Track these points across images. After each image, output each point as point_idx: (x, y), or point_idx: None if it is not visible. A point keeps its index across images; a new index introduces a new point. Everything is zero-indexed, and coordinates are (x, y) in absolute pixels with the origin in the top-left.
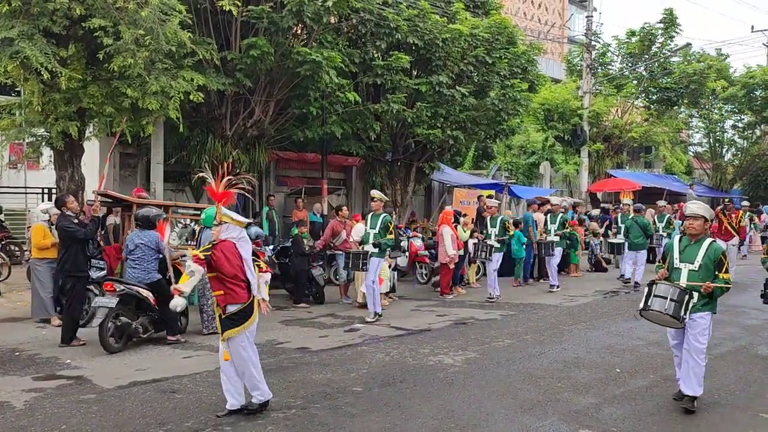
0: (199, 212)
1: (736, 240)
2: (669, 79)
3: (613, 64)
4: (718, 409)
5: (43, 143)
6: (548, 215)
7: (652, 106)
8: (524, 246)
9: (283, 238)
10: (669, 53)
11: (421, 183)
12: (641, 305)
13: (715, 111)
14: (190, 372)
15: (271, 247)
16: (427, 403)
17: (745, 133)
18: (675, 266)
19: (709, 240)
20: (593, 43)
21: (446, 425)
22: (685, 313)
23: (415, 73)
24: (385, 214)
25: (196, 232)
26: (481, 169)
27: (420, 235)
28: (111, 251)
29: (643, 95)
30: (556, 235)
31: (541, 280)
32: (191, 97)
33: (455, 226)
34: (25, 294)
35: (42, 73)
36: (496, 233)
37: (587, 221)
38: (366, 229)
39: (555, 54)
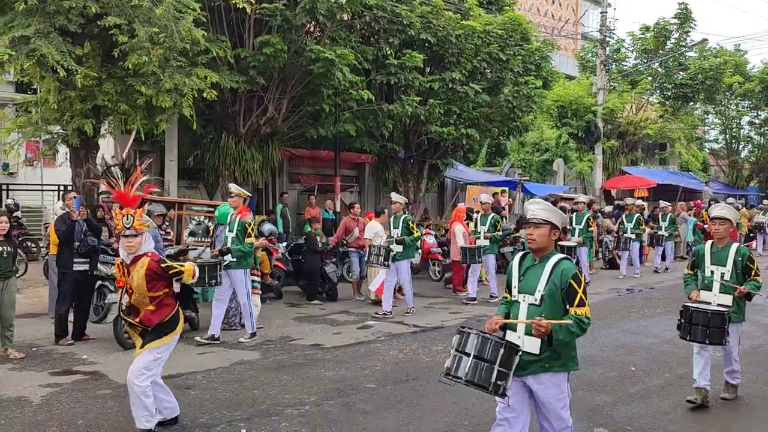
0: (212, 209)
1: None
2: (684, 75)
3: (627, 60)
4: (733, 408)
5: (59, 141)
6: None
7: (667, 103)
8: None
9: (297, 236)
10: (685, 48)
11: (434, 180)
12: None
13: (732, 107)
14: (204, 368)
15: (285, 244)
16: (440, 400)
17: (762, 129)
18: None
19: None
20: (607, 39)
21: (460, 422)
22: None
23: (428, 69)
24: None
25: (210, 229)
26: (494, 166)
27: (432, 232)
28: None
29: (658, 91)
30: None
31: None
32: (205, 94)
33: (468, 224)
34: (41, 290)
35: (58, 71)
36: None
37: (600, 218)
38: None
39: (569, 50)
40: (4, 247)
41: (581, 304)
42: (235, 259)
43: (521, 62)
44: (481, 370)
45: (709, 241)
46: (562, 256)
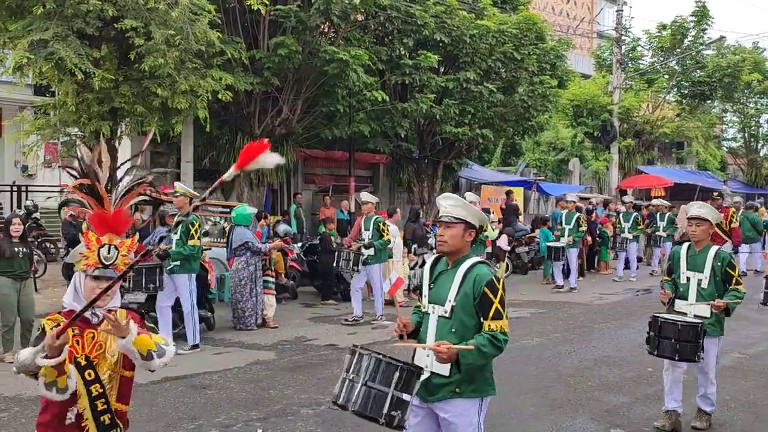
0: (228, 210)
1: (728, 246)
2: (702, 73)
3: (643, 58)
4: (753, 408)
5: (77, 142)
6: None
7: (685, 101)
8: None
9: (311, 236)
10: (702, 46)
11: (449, 180)
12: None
13: (750, 105)
14: (221, 368)
15: (299, 244)
16: None
17: None
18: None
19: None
20: (623, 37)
21: None
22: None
23: (443, 69)
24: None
25: (226, 230)
26: (509, 165)
27: None
28: (142, 249)
29: (675, 90)
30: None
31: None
32: (220, 96)
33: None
34: (60, 290)
35: (76, 73)
36: (369, 236)
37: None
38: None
39: (584, 49)
40: (20, 249)
41: (497, 316)
42: (177, 263)
43: (536, 61)
44: (373, 398)
45: (686, 244)
46: (478, 260)
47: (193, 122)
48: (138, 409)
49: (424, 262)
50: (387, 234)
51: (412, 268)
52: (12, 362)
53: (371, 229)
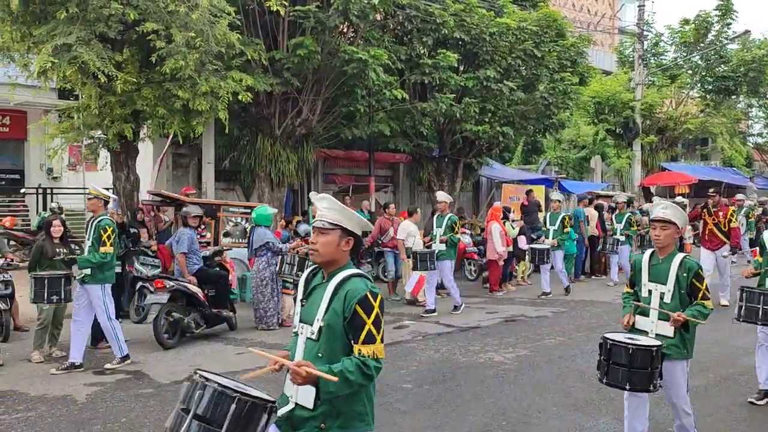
0: (249, 211)
1: (726, 248)
2: (726, 68)
3: (666, 53)
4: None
5: (100, 145)
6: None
7: (709, 96)
8: (575, 242)
9: None
10: (726, 41)
11: (469, 179)
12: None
13: None
14: (243, 368)
15: None
16: (477, 400)
17: None
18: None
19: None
20: (645, 32)
21: (497, 423)
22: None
23: (462, 68)
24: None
25: (247, 230)
26: (530, 164)
27: (468, 231)
28: (165, 250)
29: (699, 85)
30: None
31: (593, 277)
32: (240, 97)
33: (504, 223)
34: None
35: (99, 77)
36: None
37: (639, 216)
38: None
39: (605, 45)
40: (61, 250)
41: (369, 340)
42: (88, 272)
43: (557, 58)
44: None
45: (649, 251)
46: (354, 272)
47: (213, 123)
48: (161, 410)
49: None
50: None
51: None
52: (40, 361)
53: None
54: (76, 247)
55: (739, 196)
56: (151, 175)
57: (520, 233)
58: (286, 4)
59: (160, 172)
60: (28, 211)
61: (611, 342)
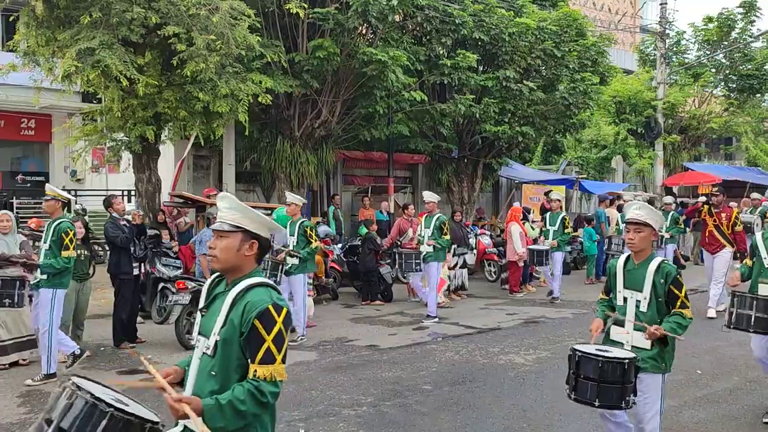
0: (269, 212)
1: (727, 252)
2: (751, 66)
3: (689, 52)
4: None
5: (123, 147)
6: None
7: (733, 95)
8: (596, 243)
9: (350, 237)
10: (751, 39)
11: (489, 179)
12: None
13: None
14: None
15: (340, 245)
16: (497, 402)
17: None
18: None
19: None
20: (667, 31)
21: (518, 425)
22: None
23: (482, 68)
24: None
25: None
26: (550, 164)
27: (488, 232)
28: (186, 251)
29: (723, 83)
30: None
31: None
32: (260, 99)
33: (524, 223)
34: (108, 291)
35: (121, 80)
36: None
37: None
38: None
39: (626, 44)
40: (82, 251)
41: (268, 359)
42: (44, 276)
43: (577, 58)
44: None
45: (625, 255)
46: (258, 281)
47: (234, 125)
48: None
49: (465, 263)
50: (315, 241)
51: (451, 269)
52: (63, 361)
53: (296, 234)
54: (99, 248)
55: (755, 195)
56: (171, 176)
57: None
58: (306, 6)
59: (180, 174)
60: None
61: (580, 354)
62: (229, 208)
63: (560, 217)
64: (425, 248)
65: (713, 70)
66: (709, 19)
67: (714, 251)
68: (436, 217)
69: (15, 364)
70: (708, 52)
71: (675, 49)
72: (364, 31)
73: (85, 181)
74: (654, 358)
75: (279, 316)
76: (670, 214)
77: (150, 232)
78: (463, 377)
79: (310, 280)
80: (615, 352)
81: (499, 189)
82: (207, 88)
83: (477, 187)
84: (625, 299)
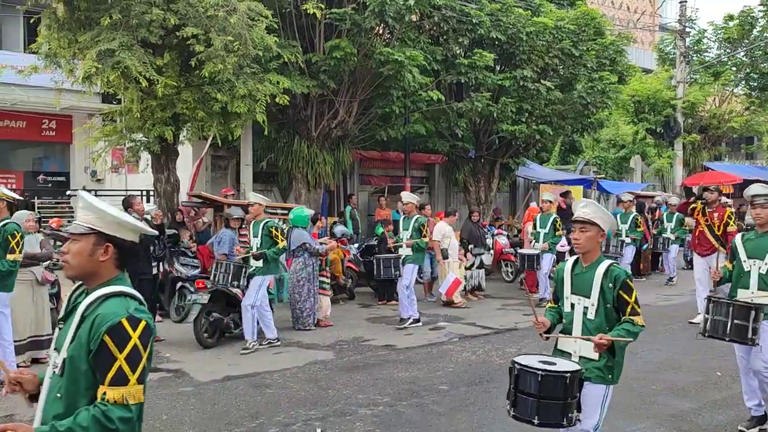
0: (287, 212)
1: (720, 256)
2: None
3: (709, 50)
4: None
5: (142, 148)
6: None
7: (754, 94)
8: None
9: (367, 237)
10: None
11: (506, 179)
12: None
13: None
14: (281, 368)
15: (356, 245)
16: None
17: None
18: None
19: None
20: (687, 29)
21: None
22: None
23: (499, 68)
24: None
25: (285, 231)
26: (568, 164)
27: (505, 232)
28: (204, 250)
29: (744, 82)
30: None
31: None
32: (277, 99)
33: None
34: None
35: (140, 81)
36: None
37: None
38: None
39: (645, 43)
40: None
41: (119, 380)
42: (411, 253)
43: (595, 57)
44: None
45: (573, 258)
46: (115, 290)
47: (251, 126)
48: (201, 407)
49: (482, 263)
50: (281, 241)
51: (468, 269)
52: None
53: (260, 235)
54: None
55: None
56: (189, 177)
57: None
58: (323, 6)
59: (198, 174)
60: (73, 212)
61: (519, 367)
62: (83, 207)
63: (551, 219)
64: (404, 251)
65: (734, 69)
66: (730, 17)
67: (705, 253)
68: (414, 219)
69: (35, 361)
70: (728, 51)
71: (695, 47)
72: (380, 31)
73: (105, 181)
74: (600, 369)
75: (135, 330)
76: (675, 215)
77: (168, 231)
78: (479, 378)
79: (327, 280)
80: (559, 365)
81: (516, 189)
82: (225, 88)
83: (494, 187)
84: (572, 306)
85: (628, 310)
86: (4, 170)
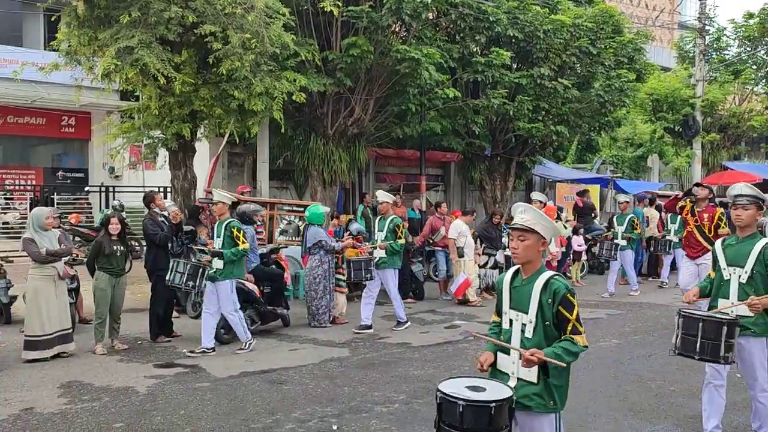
0: (302, 209)
1: (710, 257)
2: None
3: (729, 49)
4: None
5: (159, 144)
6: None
7: None
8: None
9: None
10: None
11: (522, 178)
12: None
13: None
14: (296, 364)
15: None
16: None
17: None
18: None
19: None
20: (707, 27)
21: None
22: None
23: (516, 66)
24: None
25: (301, 228)
26: (584, 162)
27: None
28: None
29: (764, 81)
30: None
31: (650, 279)
32: (294, 97)
33: (557, 222)
34: (145, 286)
35: (159, 78)
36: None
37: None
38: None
39: (664, 41)
40: (118, 247)
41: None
42: (385, 255)
43: (613, 55)
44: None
45: (512, 269)
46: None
47: (268, 123)
48: (217, 403)
49: (496, 263)
50: (242, 242)
51: (482, 267)
52: (103, 354)
53: (222, 235)
54: (135, 244)
55: None
56: (206, 173)
57: (573, 233)
58: (340, 4)
59: (215, 171)
60: (91, 208)
61: (441, 395)
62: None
63: None
64: (378, 253)
65: (754, 67)
66: (750, 15)
67: (695, 255)
68: (390, 219)
69: (56, 356)
70: (749, 49)
71: (715, 45)
72: (397, 29)
73: (123, 177)
74: (540, 395)
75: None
76: (679, 217)
77: (186, 228)
78: None
79: (343, 277)
80: (488, 391)
81: (532, 188)
82: (242, 86)
83: (510, 186)
84: (511, 322)
85: (569, 328)
86: (24, 166)
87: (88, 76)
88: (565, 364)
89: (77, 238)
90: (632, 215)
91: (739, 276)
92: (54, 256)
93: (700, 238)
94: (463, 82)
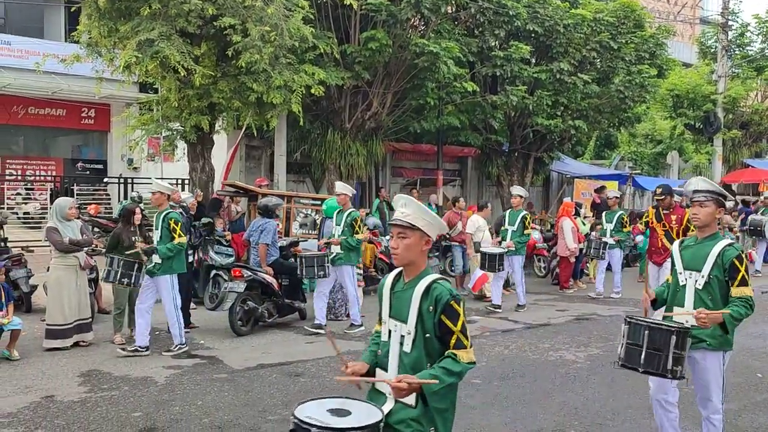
0: (319, 202)
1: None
2: None
3: (752, 44)
4: None
5: (178, 137)
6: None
7: None
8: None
9: None
10: None
11: (539, 174)
12: None
13: None
14: (313, 357)
15: (387, 237)
16: (548, 398)
17: None
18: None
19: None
20: (730, 22)
21: (568, 422)
22: None
23: (535, 60)
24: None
25: (317, 221)
26: (603, 158)
27: (538, 227)
28: (238, 239)
29: None
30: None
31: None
32: (312, 90)
33: (575, 219)
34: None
35: (178, 70)
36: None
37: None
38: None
39: (685, 36)
40: (136, 238)
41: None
42: (341, 252)
43: (634, 50)
44: None
45: (395, 271)
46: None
47: (286, 116)
48: (234, 395)
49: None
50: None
51: None
52: (122, 343)
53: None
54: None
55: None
56: (224, 166)
57: (591, 229)
58: None
59: (232, 164)
60: (110, 199)
61: (295, 421)
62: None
63: (520, 216)
64: (335, 249)
65: None
66: None
67: (660, 261)
68: (347, 213)
69: (76, 344)
70: None
71: (738, 41)
72: (416, 23)
73: (141, 169)
74: (418, 420)
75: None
76: (616, 216)
77: (204, 220)
78: (512, 372)
79: (360, 271)
80: (353, 415)
81: (549, 183)
82: (261, 79)
83: (527, 182)
84: (389, 332)
85: (452, 341)
86: (44, 157)
87: (108, 68)
88: (450, 381)
89: (96, 229)
90: (621, 212)
91: (696, 281)
92: (76, 245)
93: (668, 244)
94: (482, 76)
